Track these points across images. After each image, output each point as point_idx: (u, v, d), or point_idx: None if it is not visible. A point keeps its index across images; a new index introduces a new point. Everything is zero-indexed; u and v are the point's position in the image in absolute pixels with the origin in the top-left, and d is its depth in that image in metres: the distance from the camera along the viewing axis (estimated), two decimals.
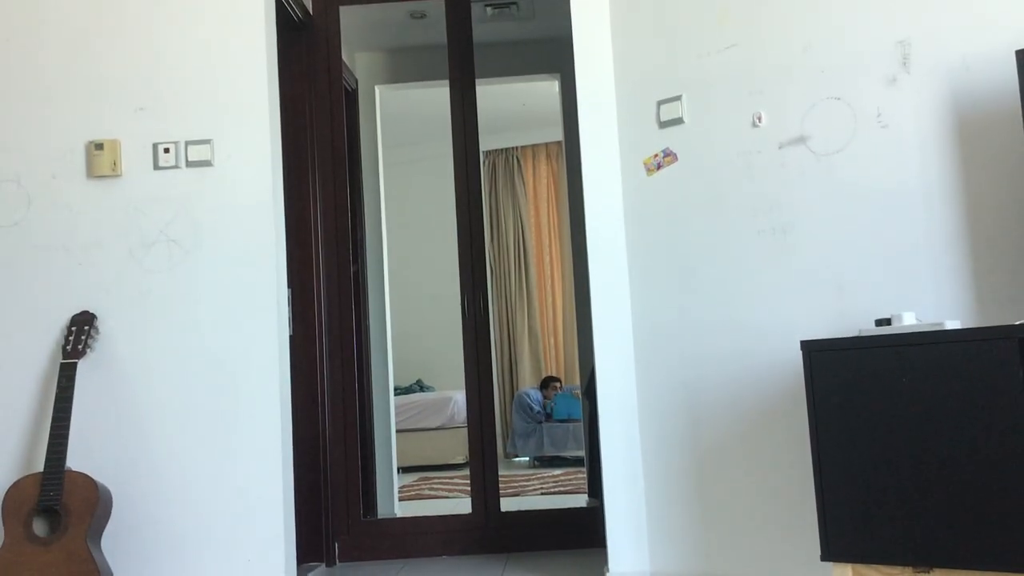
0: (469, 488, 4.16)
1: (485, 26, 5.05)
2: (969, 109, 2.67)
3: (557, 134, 8.04)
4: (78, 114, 3.31)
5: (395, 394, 6.83)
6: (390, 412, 5.12)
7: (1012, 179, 2.59)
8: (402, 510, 5.25)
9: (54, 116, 3.32)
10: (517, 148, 8.98)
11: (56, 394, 3.03)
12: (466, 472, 6.98)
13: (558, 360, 8.82)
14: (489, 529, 4.06)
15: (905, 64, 2.77)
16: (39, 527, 2.92)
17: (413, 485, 6.59)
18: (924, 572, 2.23)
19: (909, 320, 2.40)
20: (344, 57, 4.47)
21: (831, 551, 2.36)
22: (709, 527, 3.07)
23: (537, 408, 7.65)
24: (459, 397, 7.68)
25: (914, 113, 2.75)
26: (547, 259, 8.92)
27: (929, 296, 2.69)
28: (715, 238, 3.08)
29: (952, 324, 2.32)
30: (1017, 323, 2.14)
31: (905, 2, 2.77)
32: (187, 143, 3.29)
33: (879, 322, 2.45)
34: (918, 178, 2.73)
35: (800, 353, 2.89)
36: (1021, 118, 2.57)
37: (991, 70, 2.64)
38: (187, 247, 3.26)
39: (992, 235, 2.61)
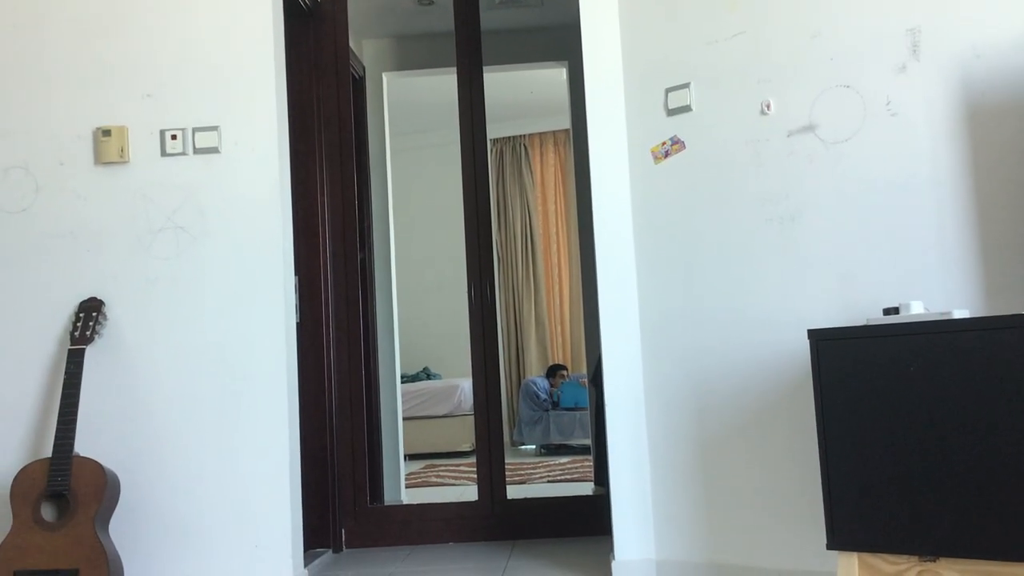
0: (475, 475, 4.17)
1: (493, 13, 5.04)
2: (979, 97, 2.65)
3: (565, 122, 8.02)
4: (85, 101, 3.32)
5: (402, 381, 6.84)
6: (397, 399, 5.14)
7: (1022, 167, 2.58)
8: (409, 497, 5.27)
9: (61, 103, 3.32)
10: (525, 136, 8.96)
11: (64, 380, 3.04)
12: (472, 460, 7.00)
13: (565, 348, 8.82)
14: (495, 516, 4.07)
15: (915, 52, 2.75)
16: (47, 512, 2.94)
17: (420, 472, 6.61)
18: (930, 561, 2.23)
19: (917, 309, 2.40)
20: (351, 44, 4.46)
21: (837, 540, 2.36)
22: (715, 515, 3.07)
23: (544, 396, 7.66)
24: (466, 385, 7.69)
25: (924, 101, 2.74)
26: (554, 247, 8.91)
27: (937, 285, 2.68)
28: (722, 226, 3.08)
29: (960, 313, 2.31)
30: None
31: None
32: (194, 130, 3.29)
33: (887, 311, 2.45)
34: (927, 167, 2.72)
35: (807, 342, 2.88)
36: None
37: (1002, 57, 2.62)
38: (194, 234, 3.27)
39: (1001, 224, 2.60)
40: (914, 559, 2.25)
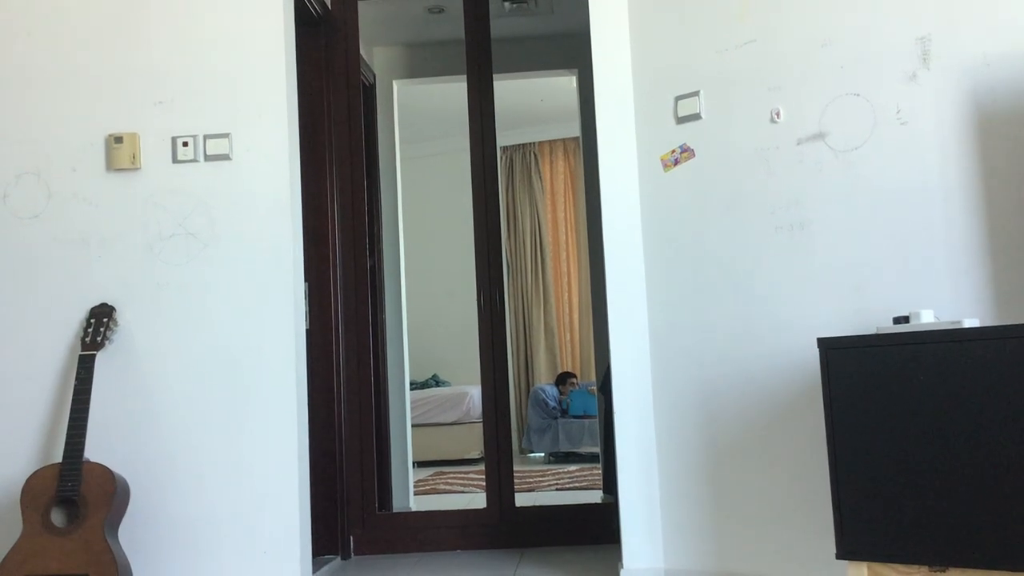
0: (484, 483, 4.17)
1: (503, 21, 5.05)
2: (989, 106, 2.65)
3: (575, 130, 8.03)
4: (98, 107, 3.33)
5: (411, 389, 6.85)
6: (406, 406, 5.14)
7: None
8: (417, 504, 5.27)
9: (74, 109, 3.34)
10: (534, 144, 8.97)
11: (75, 386, 3.05)
12: (481, 467, 7.00)
13: (574, 356, 8.81)
14: (503, 524, 4.07)
15: (925, 60, 2.75)
16: (57, 517, 2.95)
17: (428, 479, 6.61)
18: (940, 571, 2.22)
19: (927, 318, 2.39)
20: (362, 52, 4.47)
21: (846, 549, 2.35)
22: (724, 524, 3.06)
23: (553, 404, 7.65)
24: (475, 392, 7.69)
25: (934, 110, 2.73)
26: (564, 255, 8.91)
27: (947, 294, 2.68)
28: (732, 234, 3.07)
29: (970, 322, 2.30)
30: None
31: None
32: (205, 137, 3.31)
33: (897, 320, 2.44)
34: (937, 175, 2.71)
35: (817, 350, 2.88)
36: None
37: (1012, 67, 2.62)
38: (205, 240, 3.28)
39: (1011, 233, 2.59)
40: (924, 569, 2.24)
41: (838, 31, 2.89)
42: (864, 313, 2.81)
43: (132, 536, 3.16)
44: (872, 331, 2.75)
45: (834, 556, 2.76)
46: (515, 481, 4.19)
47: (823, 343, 2.41)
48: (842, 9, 2.89)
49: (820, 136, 2.92)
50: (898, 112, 2.79)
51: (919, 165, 2.74)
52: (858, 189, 2.84)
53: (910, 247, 2.74)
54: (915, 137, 2.75)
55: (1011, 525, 2.11)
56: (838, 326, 2.85)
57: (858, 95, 2.85)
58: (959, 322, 2.29)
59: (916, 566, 2.25)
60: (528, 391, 8.39)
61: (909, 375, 2.26)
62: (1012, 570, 2.10)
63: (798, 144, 2.96)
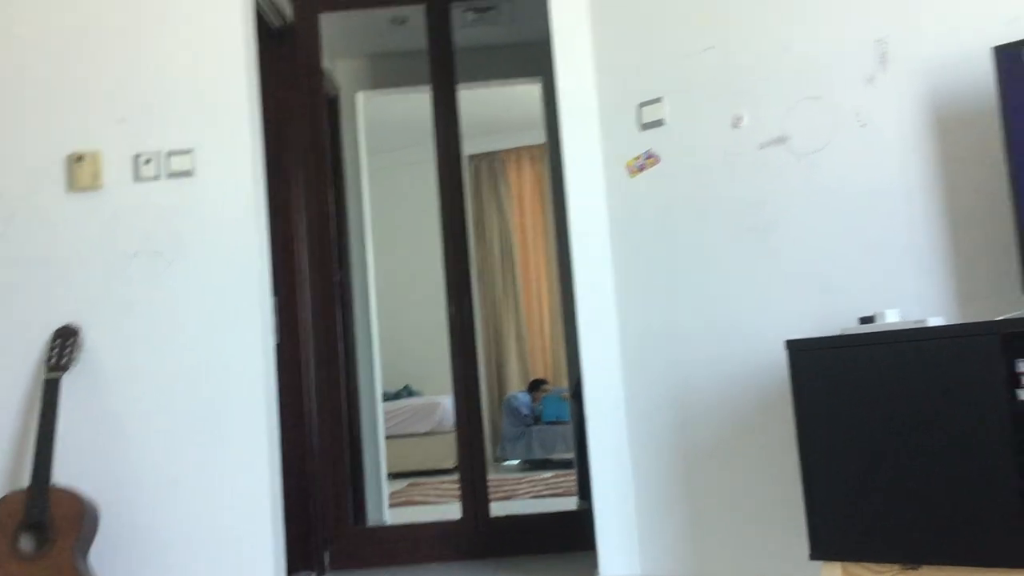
0: (459, 493, 4.16)
1: (466, 31, 5.06)
2: (947, 107, 2.68)
3: (541, 136, 8.04)
4: (59, 126, 3.30)
5: (383, 400, 6.82)
6: (378, 418, 5.12)
7: (990, 176, 2.61)
8: (392, 516, 5.24)
9: (35, 128, 3.30)
10: (501, 152, 8.98)
11: (41, 409, 3.01)
12: (456, 476, 6.98)
13: (546, 362, 8.82)
14: (479, 534, 4.06)
15: (883, 63, 2.78)
16: (26, 543, 2.90)
17: (403, 491, 6.58)
18: (912, 569, 2.24)
19: (893, 318, 2.41)
20: (326, 64, 4.46)
21: (819, 550, 2.36)
22: (699, 528, 3.07)
23: (526, 411, 7.65)
24: (447, 402, 7.67)
25: (893, 112, 2.76)
26: (533, 262, 8.92)
27: (912, 293, 2.71)
28: (699, 239, 3.09)
29: (935, 321, 2.33)
30: (999, 319, 2.15)
31: (882, 1, 2.78)
32: (168, 153, 3.28)
33: (863, 320, 2.47)
34: (898, 176, 2.75)
35: (785, 352, 2.90)
36: (999, 115, 2.58)
37: (968, 68, 2.65)
38: (170, 258, 3.25)
39: (972, 232, 2.63)
40: (896, 567, 2.26)
41: (798, 35, 2.92)
42: (831, 314, 2.83)
43: (103, 559, 3.12)
44: (839, 332, 2.78)
45: (808, 557, 2.78)
46: (491, 490, 4.18)
47: (790, 345, 2.43)
48: (801, 13, 2.92)
49: (782, 140, 2.94)
50: (857, 115, 2.82)
51: (880, 167, 2.77)
52: (821, 191, 2.86)
53: (874, 247, 2.77)
54: (875, 139, 2.78)
55: (981, 522, 2.13)
56: (806, 328, 2.87)
57: (818, 98, 2.88)
58: (924, 321, 2.32)
59: (889, 565, 2.27)
60: (501, 399, 8.39)
61: (876, 374, 2.28)
62: (983, 566, 2.13)
63: (761, 148, 2.98)
